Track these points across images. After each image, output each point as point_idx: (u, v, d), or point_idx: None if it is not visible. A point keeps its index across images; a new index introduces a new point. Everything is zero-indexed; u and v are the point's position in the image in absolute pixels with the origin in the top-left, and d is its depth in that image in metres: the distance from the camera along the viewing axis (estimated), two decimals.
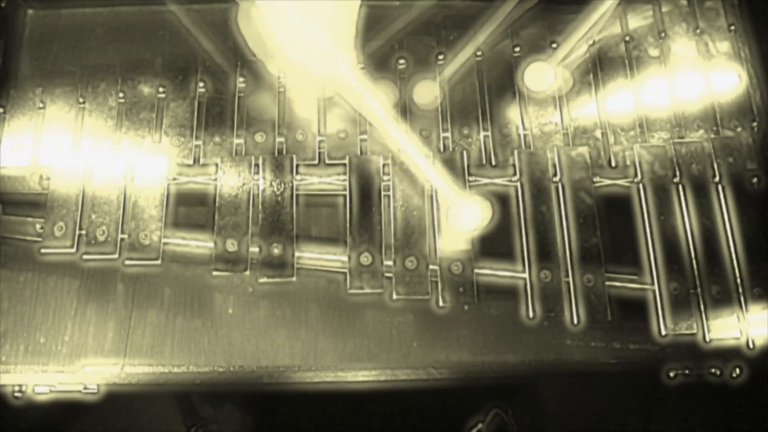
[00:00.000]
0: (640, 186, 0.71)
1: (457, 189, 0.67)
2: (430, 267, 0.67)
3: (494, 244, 0.70)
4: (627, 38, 0.79)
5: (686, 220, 0.70)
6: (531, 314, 0.66)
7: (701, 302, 0.68)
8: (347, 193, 0.69)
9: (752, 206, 0.72)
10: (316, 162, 0.72)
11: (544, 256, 0.68)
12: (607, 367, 0.72)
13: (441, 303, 0.66)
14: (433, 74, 0.75)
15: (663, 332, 0.67)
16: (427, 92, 0.74)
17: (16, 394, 0.69)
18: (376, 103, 0.66)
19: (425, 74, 0.75)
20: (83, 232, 0.67)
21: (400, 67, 0.76)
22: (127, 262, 0.66)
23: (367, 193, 0.69)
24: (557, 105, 0.75)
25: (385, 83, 0.75)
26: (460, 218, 0.66)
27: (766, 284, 0.69)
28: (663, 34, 0.80)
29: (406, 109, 0.74)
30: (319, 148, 0.72)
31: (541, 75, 0.75)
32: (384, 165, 0.70)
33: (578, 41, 0.75)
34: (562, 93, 0.75)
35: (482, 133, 0.73)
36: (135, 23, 0.83)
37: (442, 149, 0.72)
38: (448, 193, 0.67)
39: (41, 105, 0.73)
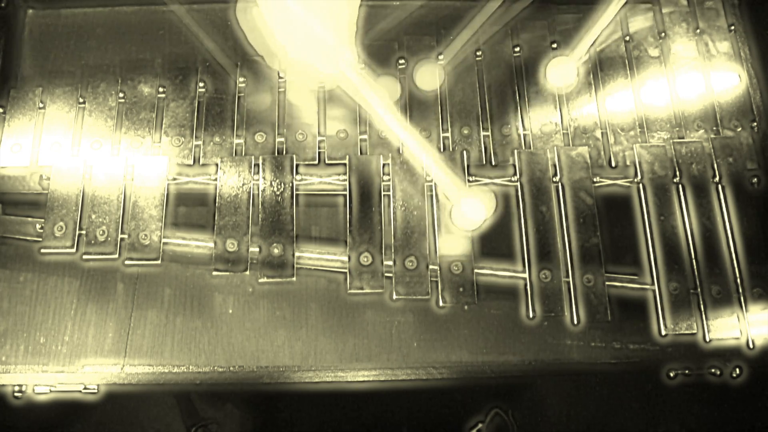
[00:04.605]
0: (640, 186, 0.71)
1: (460, 185, 0.67)
2: (430, 267, 0.67)
3: (494, 244, 0.70)
4: (627, 38, 0.79)
5: (686, 220, 0.70)
6: (531, 314, 0.66)
7: (701, 302, 0.68)
8: (347, 193, 0.69)
9: (752, 206, 0.72)
10: (316, 162, 0.72)
11: (544, 256, 0.68)
12: (607, 367, 0.72)
13: (441, 303, 0.66)
14: (431, 57, 0.75)
15: (663, 332, 0.67)
16: (429, 74, 0.74)
17: (16, 394, 0.69)
18: (377, 100, 0.66)
19: (427, 57, 0.75)
20: (83, 232, 0.67)
21: (401, 66, 0.76)
22: (127, 262, 0.66)
23: (367, 193, 0.69)
24: (557, 105, 0.75)
25: (387, 77, 0.75)
26: (464, 215, 0.66)
27: (766, 284, 0.69)
28: (663, 35, 0.79)
29: (406, 109, 0.74)
30: (319, 148, 0.72)
31: (564, 71, 0.74)
32: (384, 165, 0.70)
33: (591, 42, 0.75)
34: (563, 92, 0.75)
35: (482, 133, 0.73)
36: (135, 23, 0.84)
37: (442, 149, 0.72)
38: (452, 189, 0.67)
39: (41, 105, 0.73)
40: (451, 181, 0.67)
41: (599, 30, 0.73)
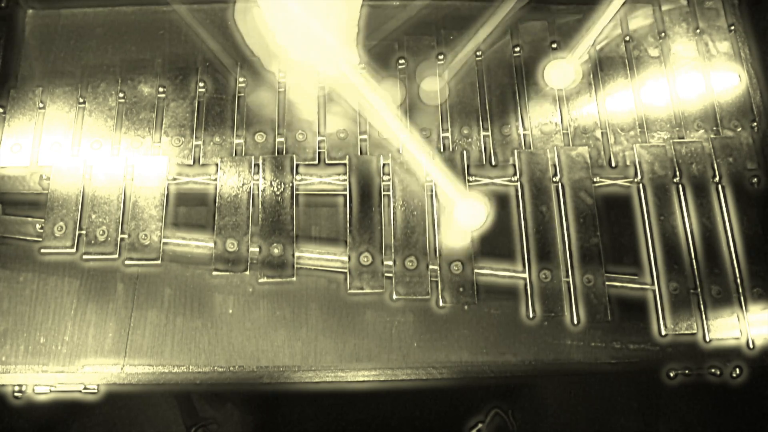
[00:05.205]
0: (640, 186, 0.71)
1: (458, 188, 0.67)
2: (430, 267, 0.67)
3: (494, 244, 0.70)
4: (627, 38, 0.79)
5: (686, 220, 0.70)
6: (531, 314, 0.66)
7: (701, 302, 0.68)
8: (347, 193, 0.69)
9: (752, 206, 0.72)
10: (316, 162, 0.72)
11: (544, 256, 0.68)
12: (607, 367, 0.72)
13: (441, 303, 0.66)
14: (435, 72, 0.75)
15: (663, 332, 0.67)
16: (432, 89, 0.74)
17: (16, 394, 0.69)
18: (377, 100, 0.66)
19: (430, 71, 0.75)
20: (83, 232, 0.67)
21: (401, 66, 0.76)
22: (127, 262, 0.66)
23: (367, 193, 0.69)
24: (557, 105, 0.75)
25: (389, 81, 0.75)
26: (462, 217, 0.66)
27: (766, 284, 0.69)
28: (663, 34, 0.80)
29: (406, 109, 0.74)
30: (319, 148, 0.72)
31: (563, 72, 0.74)
32: (384, 165, 0.70)
33: (590, 43, 0.75)
34: (563, 92, 0.75)
35: (482, 133, 0.73)
36: (135, 23, 0.84)
37: (442, 149, 0.72)
38: (450, 192, 0.67)
39: (41, 105, 0.73)
40: (449, 182, 0.67)
41: (598, 30, 0.73)
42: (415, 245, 0.68)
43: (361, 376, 0.71)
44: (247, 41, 0.72)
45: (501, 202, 0.70)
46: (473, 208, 0.66)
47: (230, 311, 0.73)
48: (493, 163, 0.73)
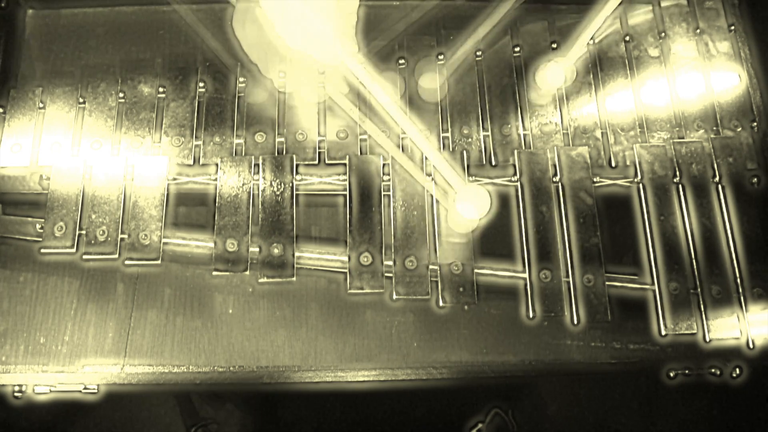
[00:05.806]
0: (640, 186, 0.71)
1: (460, 179, 0.67)
2: (430, 267, 0.67)
3: (494, 244, 0.70)
4: (627, 38, 0.79)
5: (686, 220, 0.70)
6: (531, 314, 0.67)
7: (701, 302, 0.68)
8: (347, 193, 0.69)
9: (752, 206, 0.72)
10: (316, 162, 0.72)
11: (544, 256, 0.68)
12: (607, 367, 0.72)
13: (441, 303, 0.66)
14: (434, 72, 0.75)
15: (663, 332, 0.67)
16: (432, 89, 0.74)
17: (16, 394, 0.69)
18: (379, 92, 0.65)
19: (430, 71, 0.75)
20: (83, 232, 0.67)
21: (401, 67, 0.76)
22: (127, 262, 0.66)
23: (367, 193, 0.69)
24: (557, 105, 0.75)
25: (389, 75, 0.74)
26: (465, 207, 0.65)
27: (766, 284, 0.69)
28: (663, 34, 0.80)
29: (406, 109, 0.74)
30: (319, 148, 0.72)
31: (553, 75, 0.74)
32: (384, 165, 0.70)
33: (585, 43, 0.75)
34: (563, 92, 0.75)
35: (482, 133, 0.73)
36: (135, 23, 0.84)
37: (442, 149, 0.72)
38: (452, 181, 0.66)
39: (41, 105, 0.73)
40: (449, 180, 0.67)
41: (593, 30, 0.73)
42: (415, 245, 0.68)
43: (361, 376, 0.71)
44: (245, 48, 0.72)
45: (501, 202, 0.70)
46: (476, 197, 0.65)
47: (230, 311, 0.73)
48: (493, 163, 0.73)
